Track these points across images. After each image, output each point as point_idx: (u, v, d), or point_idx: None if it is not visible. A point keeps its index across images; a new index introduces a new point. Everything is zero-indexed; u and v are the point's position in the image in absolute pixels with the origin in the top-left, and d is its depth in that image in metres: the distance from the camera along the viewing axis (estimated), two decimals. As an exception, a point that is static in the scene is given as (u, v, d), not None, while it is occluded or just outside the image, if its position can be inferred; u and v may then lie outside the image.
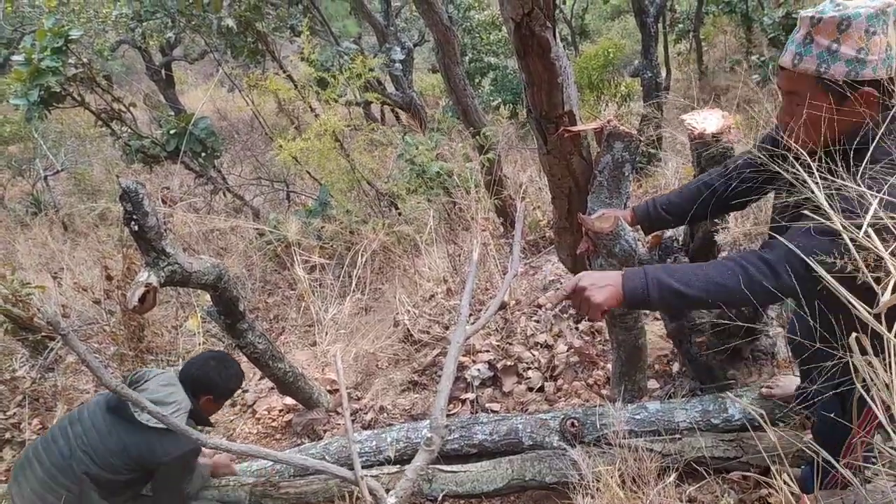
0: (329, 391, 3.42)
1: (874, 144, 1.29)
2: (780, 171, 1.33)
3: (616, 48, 10.06)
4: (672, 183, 4.94)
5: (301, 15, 6.91)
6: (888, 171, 1.24)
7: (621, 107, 8.32)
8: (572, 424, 2.40)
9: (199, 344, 4.10)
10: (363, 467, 2.71)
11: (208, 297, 2.63)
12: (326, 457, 2.72)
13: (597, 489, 1.85)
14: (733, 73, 8.34)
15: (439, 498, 2.31)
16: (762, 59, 5.90)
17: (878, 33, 1.26)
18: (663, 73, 8.96)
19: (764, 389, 2.25)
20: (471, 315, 2.88)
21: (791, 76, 1.39)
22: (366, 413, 3.26)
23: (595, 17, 16.58)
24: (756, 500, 1.99)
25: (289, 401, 3.38)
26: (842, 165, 1.26)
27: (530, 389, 3.12)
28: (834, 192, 1.22)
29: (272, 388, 3.53)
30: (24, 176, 10.05)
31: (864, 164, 1.25)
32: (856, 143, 1.32)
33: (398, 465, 2.45)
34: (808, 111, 1.35)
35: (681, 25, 10.79)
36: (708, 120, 2.11)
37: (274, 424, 3.39)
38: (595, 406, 2.59)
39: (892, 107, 1.31)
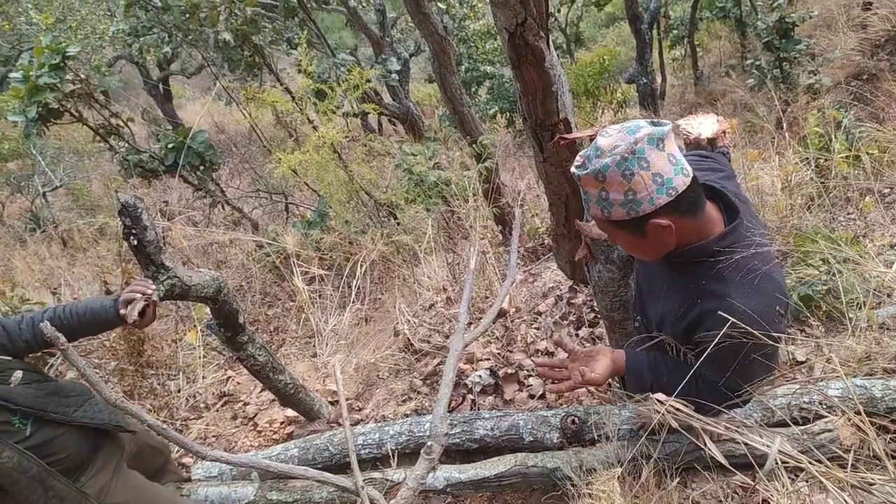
0: (330, 402, 3.41)
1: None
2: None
3: (611, 55, 10.12)
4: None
5: (297, 28, 6.95)
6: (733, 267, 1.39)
7: (617, 113, 8.36)
8: (573, 422, 2.41)
9: (200, 357, 4.10)
10: (366, 459, 2.73)
11: (208, 310, 2.63)
12: (331, 448, 2.75)
13: (601, 491, 1.84)
14: (728, 78, 8.38)
15: (441, 487, 2.32)
16: (757, 63, 5.93)
17: (636, 172, 1.28)
18: (658, 79, 9.02)
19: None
20: (470, 324, 2.88)
21: (596, 219, 1.48)
22: (367, 423, 3.25)
23: (590, 25, 16.69)
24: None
25: (290, 413, 3.37)
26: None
27: (532, 397, 3.12)
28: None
29: (273, 401, 3.52)
30: (22, 192, 10.07)
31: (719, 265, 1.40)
32: (687, 258, 1.45)
33: (400, 469, 2.45)
34: (622, 244, 1.50)
35: (675, 31, 10.85)
36: (703, 125, 2.12)
37: (275, 437, 3.38)
38: (597, 405, 2.59)
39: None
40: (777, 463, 1.32)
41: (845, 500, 1.15)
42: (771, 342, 1.34)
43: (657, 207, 1.32)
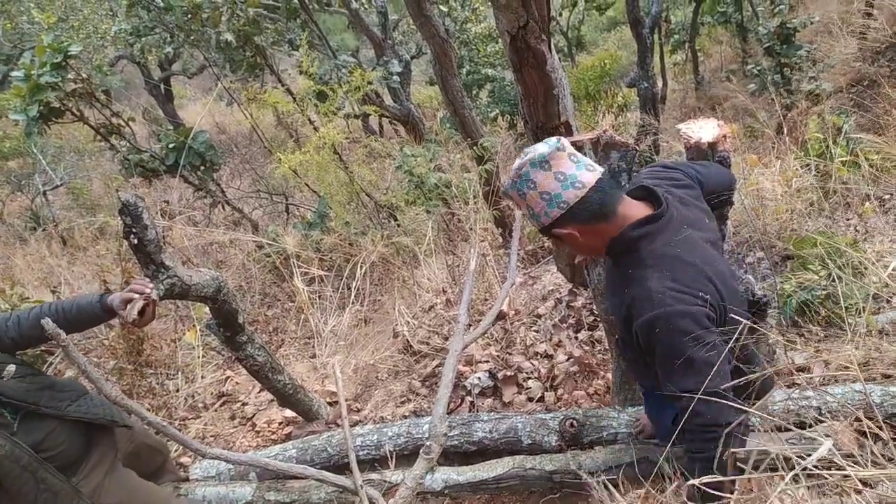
0: (329, 403, 3.41)
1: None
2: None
3: (612, 59, 10.14)
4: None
5: (299, 29, 6.95)
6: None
7: (618, 117, 8.36)
8: (571, 425, 2.42)
9: (199, 357, 4.10)
10: (364, 460, 2.73)
11: (207, 310, 2.63)
12: (329, 448, 2.76)
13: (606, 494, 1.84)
14: (729, 83, 8.39)
15: (439, 488, 2.32)
16: (758, 68, 5.93)
17: (526, 193, 1.49)
18: (660, 84, 9.01)
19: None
20: (469, 325, 2.88)
21: None
22: (365, 424, 3.25)
23: (591, 29, 16.71)
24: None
25: (288, 413, 3.37)
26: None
27: (530, 399, 3.12)
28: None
29: (271, 401, 3.52)
30: (23, 191, 10.06)
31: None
32: (615, 251, 1.56)
33: (399, 471, 2.45)
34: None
35: (676, 36, 10.86)
36: (704, 129, 2.12)
37: (273, 437, 3.38)
38: (595, 408, 2.60)
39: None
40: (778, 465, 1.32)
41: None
42: (698, 326, 1.39)
43: (553, 219, 1.50)
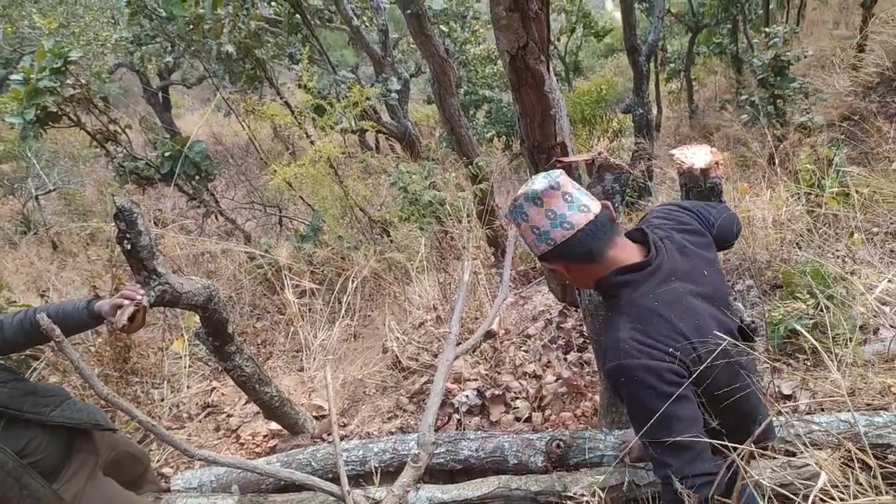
0: (315, 417, 3.39)
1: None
2: None
3: (608, 85, 10.25)
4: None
5: (300, 44, 7.01)
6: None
7: (613, 141, 8.44)
8: (558, 446, 2.41)
9: (185, 367, 4.06)
10: (349, 476, 2.71)
11: (197, 319, 2.62)
12: (313, 463, 2.73)
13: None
14: (723, 112, 8.50)
15: None
16: (751, 99, 6.02)
17: (520, 223, 1.55)
18: (654, 111, 9.12)
19: None
20: (458, 344, 2.88)
21: None
22: (351, 439, 3.23)
23: (588, 55, 16.92)
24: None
25: (274, 426, 3.34)
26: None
27: (518, 419, 3.11)
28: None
29: (257, 413, 3.49)
30: (15, 195, 10.02)
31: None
32: (600, 292, 1.59)
33: (383, 487, 2.43)
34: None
35: (672, 65, 11.03)
36: (696, 155, 2.15)
37: (258, 450, 3.35)
38: (582, 430, 2.59)
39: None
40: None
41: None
42: (661, 382, 1.37)
43: (542, 253, 1.53)
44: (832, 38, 8.61)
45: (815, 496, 1.17)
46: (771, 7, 9.74)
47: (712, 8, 9.42)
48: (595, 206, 1.50)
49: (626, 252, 1.52)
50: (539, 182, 1.49)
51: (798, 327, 2.68)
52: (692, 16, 9.68)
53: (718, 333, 1.42)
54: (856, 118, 6.09)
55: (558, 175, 1.50)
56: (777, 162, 4.77)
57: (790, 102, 5.76)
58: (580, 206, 1.48)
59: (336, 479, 1.83)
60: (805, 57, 6.11)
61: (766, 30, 6.09)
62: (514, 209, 1.53)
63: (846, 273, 3.12)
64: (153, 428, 1.63)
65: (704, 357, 1.42)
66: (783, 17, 10.17)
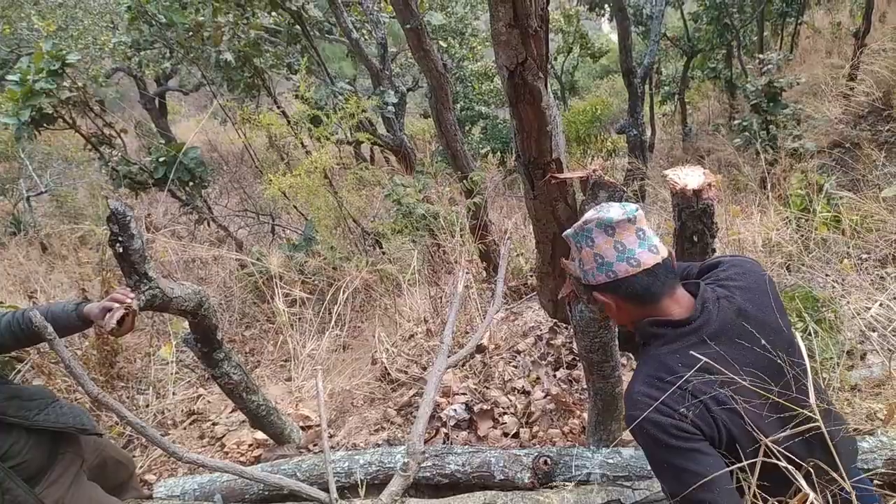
0: (302, 427, 3.36)
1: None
2: None
3: (604, 105, 10.38)
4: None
5: (299, 54, 7.04)
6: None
7: (607, 161, 8.51)
8: (545, 462, 2.41)
9: (172, 373, 4.03)
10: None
11: (184, 325, 2.60)
12: (298, 473, 2.71)
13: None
14: (716, 136, 8.59)
15: None
16: (744, 124, 6.09)
17: (583, 248, 1.49)
18: (648, 132, 9.22)
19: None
20: (450, 357, 2.87)
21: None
22: (338, 450, 3.20)
23: (585, 75, 17.10)
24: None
25: (259, 435, 3.31)
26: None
27: (505, 435, 3.10)
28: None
29: (243, 422, 3.46)
30: (6, 196, 9.95)
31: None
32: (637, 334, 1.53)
33: (369, 500, 2.42)
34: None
35: (667, 87, 11.16)
36: (689, 176, 2.16)
37: (242, 459, 3.32)
38: (570, 447, 2.59)
39: None
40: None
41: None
42: (669, 437, 1.32)
43: (597, 283, 1.48)
44: (825, 67, 8.75)
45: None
46: (765, 34, 9.89)
47: (707, 33, 9.57)
48: (664, 251, 1.45)
49: (679, 305, 1.46)
50: (615, 211, 1.43)
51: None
52: (687, 40, 9.83)
53: (747, 407, 1.34)
54: (847, 145, 6.17)
55: (635, 209, 1.45)
56: (768, 186, 4.82)
57: (782, 128, 5.84)
58: (651, 245, 1.43)
59: (323, 490, 1.82)
60: (798, 84, 6.20)
61: (760, 56, 6.18)
62: (581, 232, 1.47)
63: (835, 297, 3.14)
64: (143, 430, 1.62)
65: (734, 432, 1.35)
66: (777, 44, 10.33)
